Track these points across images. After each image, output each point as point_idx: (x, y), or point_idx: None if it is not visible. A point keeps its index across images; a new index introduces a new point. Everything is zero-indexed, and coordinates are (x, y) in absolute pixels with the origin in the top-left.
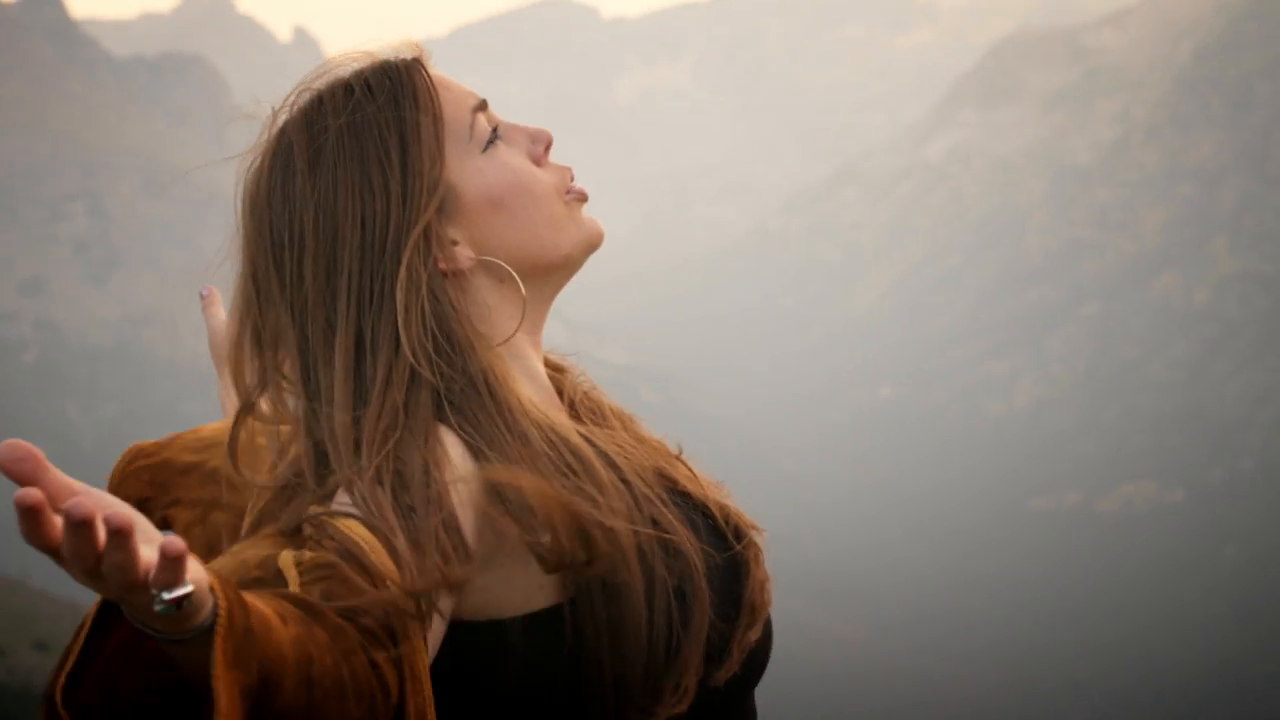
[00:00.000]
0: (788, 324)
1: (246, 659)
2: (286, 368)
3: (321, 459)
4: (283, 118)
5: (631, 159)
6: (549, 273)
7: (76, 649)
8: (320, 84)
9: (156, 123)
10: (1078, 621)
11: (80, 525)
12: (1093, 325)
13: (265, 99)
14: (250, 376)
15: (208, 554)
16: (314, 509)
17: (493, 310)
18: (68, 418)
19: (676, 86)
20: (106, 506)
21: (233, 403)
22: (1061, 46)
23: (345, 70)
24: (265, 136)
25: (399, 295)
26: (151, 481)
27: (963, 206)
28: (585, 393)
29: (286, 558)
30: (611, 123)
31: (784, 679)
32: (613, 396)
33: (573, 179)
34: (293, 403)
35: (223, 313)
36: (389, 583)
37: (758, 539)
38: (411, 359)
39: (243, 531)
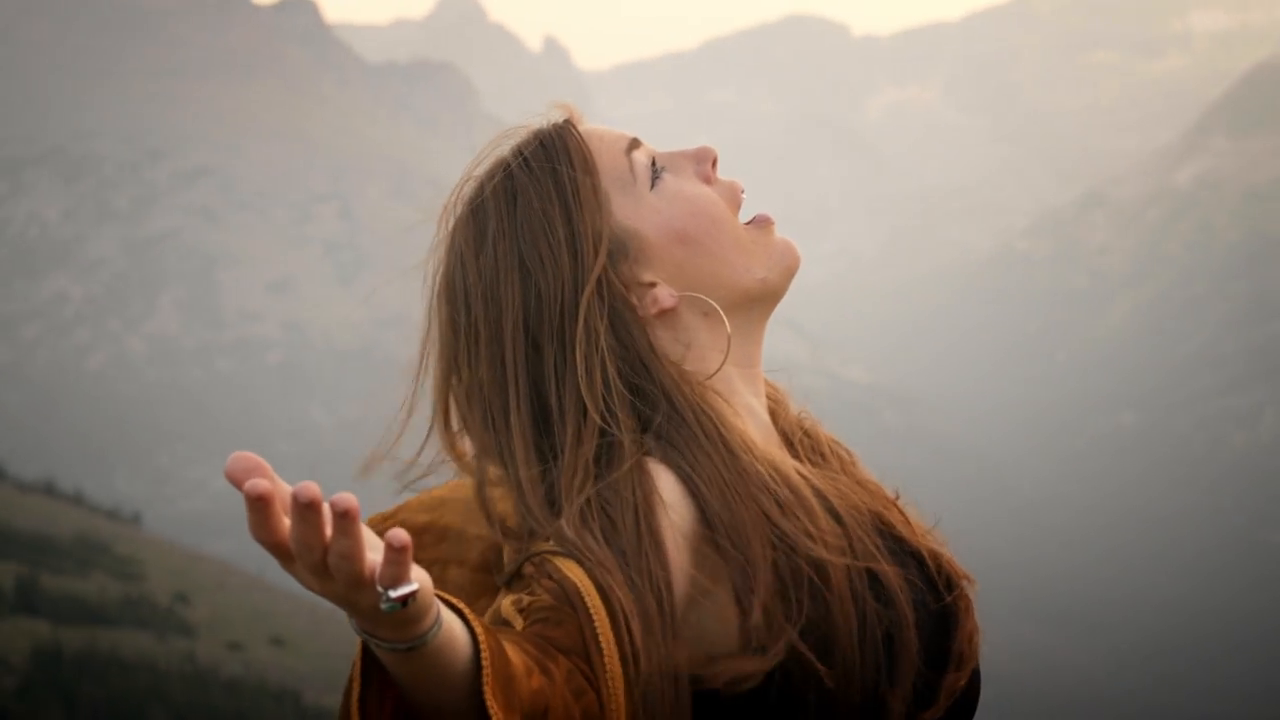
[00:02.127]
0: (1031, 348)
1: (514, 702)
2: (480, 453)
3: (530, 522)
4: (455, 209)
5: (879, 177)
6: (750, 302)
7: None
8: (481, 169)
9: (406, 128)
10: None
11: (308, 508)
12: None
13: (436, 193)
14: (465, 451)
15: None
16: (537, 546)
17: (703, 346)
18: (311, 418)
19: (926, 106)
20: (346, 500)
21: None
22: None
23: (505, 149)
24: (441, 231)
25: (578, 356)
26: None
27: (1212, 234)
28: (803, 428)
29: (508, 604)
30: (860, 140)
31: (1018, 705)
32: (854, 418)
33: (742, 192)
34: (495, 472)
35: None
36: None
37: (969, 590)
38: (598, 419)
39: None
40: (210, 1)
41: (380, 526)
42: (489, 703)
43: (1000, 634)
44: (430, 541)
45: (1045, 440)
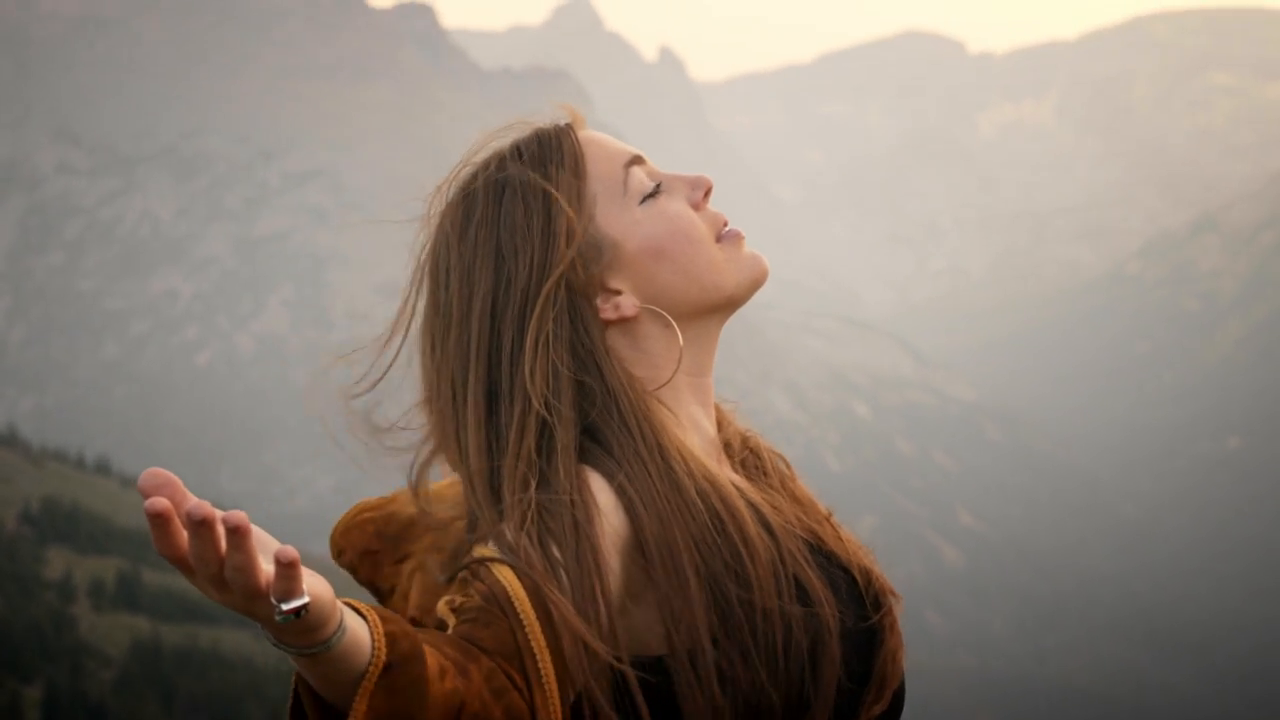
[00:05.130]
0: (1138, 370)
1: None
2: (439, 427)
3: (476, 512)
4: (449, 191)
5: (990, 195)
6: (711, 312)
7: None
8: (479, 157)
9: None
10: None
11: (200, 524)
12: None
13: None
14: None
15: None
16: (479, 550)
17: (659, 356)
18: (417, 419)
19: (1039, 124)
20: (236, 517)
21: None
22: None
23: (505, 141)
24: (431, 211)
25: (528, 345)
26: (378, 534)
27: None
28: (747, 442)
29: (443, 605)
30: (971, 157)
31: None
32: (959, 435)
33: (725, 224)
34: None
35: None
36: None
37: (896, 607)
38: (540, 409)
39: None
40: (326, 3)
41: (371, 514)
42: (355, 706)
43: (1095, 653)
44: (421, 533)
45: (1149, 462)
